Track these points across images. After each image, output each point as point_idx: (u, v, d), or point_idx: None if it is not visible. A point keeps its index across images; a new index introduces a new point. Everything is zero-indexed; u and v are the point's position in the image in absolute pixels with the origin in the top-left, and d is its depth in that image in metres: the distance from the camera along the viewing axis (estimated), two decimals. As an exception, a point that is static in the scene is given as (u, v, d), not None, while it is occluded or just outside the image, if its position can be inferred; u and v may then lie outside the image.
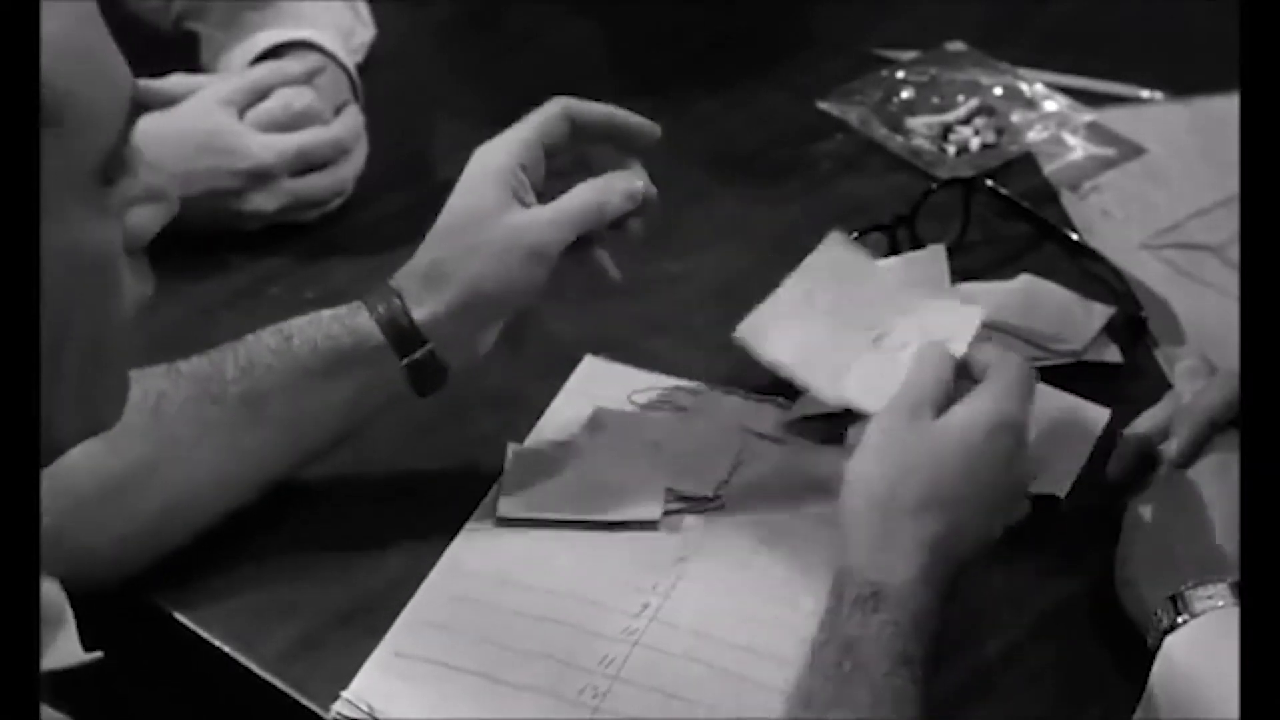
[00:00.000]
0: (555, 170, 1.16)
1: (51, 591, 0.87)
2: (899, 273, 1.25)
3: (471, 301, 1.12)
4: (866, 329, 1.13)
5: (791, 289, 1.17)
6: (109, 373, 0.85)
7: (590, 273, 1.16)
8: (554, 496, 1.16)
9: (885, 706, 0.94)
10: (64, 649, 0.85)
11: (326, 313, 1.13)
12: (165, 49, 1.52)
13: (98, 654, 0.86)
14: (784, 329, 1.15)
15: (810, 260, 1.18)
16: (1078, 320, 1.28)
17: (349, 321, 1.12)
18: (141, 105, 0.82)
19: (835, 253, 1.18)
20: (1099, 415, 1.22)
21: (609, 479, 1.17)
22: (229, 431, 1.10)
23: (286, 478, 1.14)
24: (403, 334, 1.11)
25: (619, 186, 1.15)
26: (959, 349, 1.08)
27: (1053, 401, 1.21)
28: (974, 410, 1.02)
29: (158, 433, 1.08)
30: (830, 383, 1.11)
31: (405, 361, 1.11)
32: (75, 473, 1.03)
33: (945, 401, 1.04)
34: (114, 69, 0.81)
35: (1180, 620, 1.02)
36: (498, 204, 1.12)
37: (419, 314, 1.11)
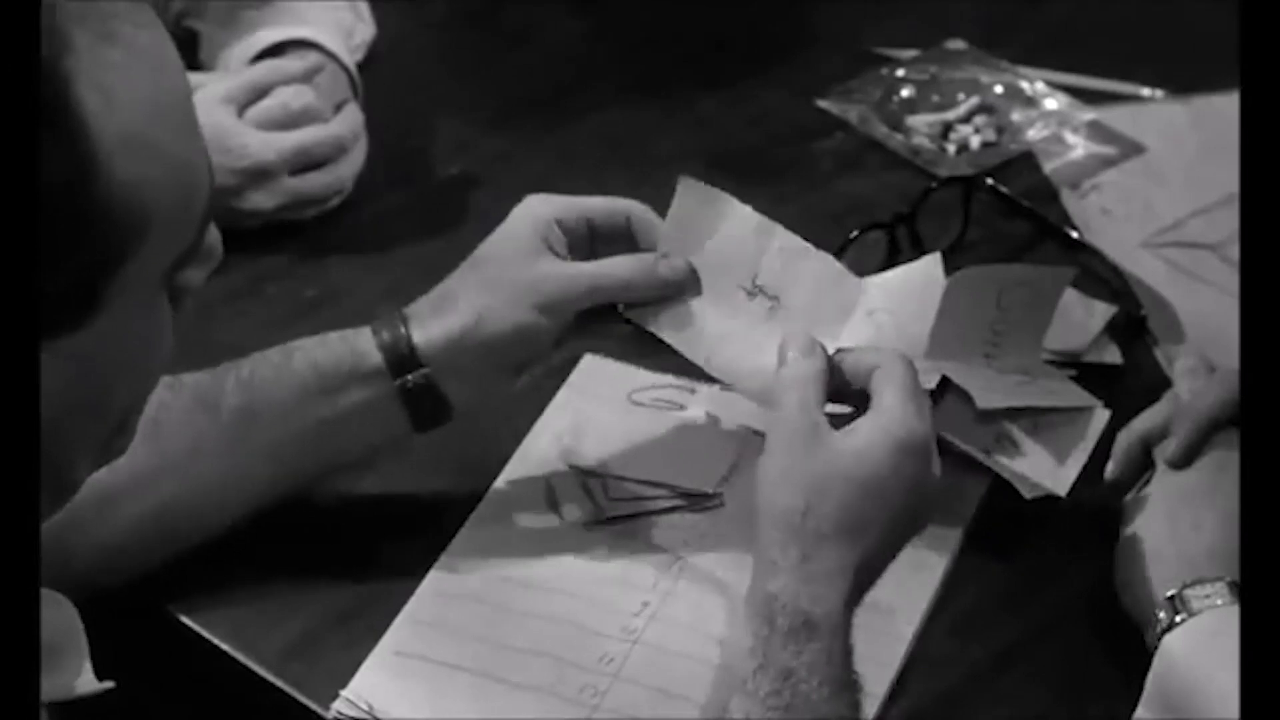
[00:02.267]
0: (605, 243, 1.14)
1: (65, 617, 0.86)
2: (896, 284, 1.25)
3: (472, 333, 1.09)
4: (748, 291, 1.12)
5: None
6: (136, 422, 0.85)
7: None
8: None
9: None
10: (76, 677, 0.85)
11: (334, 333, 1.12)
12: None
13: (109, 684, 0.85)
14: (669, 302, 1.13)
15: (671, 215, 1.13)
16: (1079, 320, 1.28)
17: (352, 341, 1.11)
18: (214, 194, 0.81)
19: (692, 200, 1.13)
20: (1099, 415, 1.22)
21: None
22: (224, 445, 1.10)
23: (277, 503, 1.13)
24: (401, 358, 1.09)
25: (659, 272, 1.11)
26: (835, 337, 1.08)
27: (1054, 400, 1.21)
28: (878, 429, 1.00)
29: (156, 443, 1.07)
30: (708, 354, 1.11)
31: (398, 383, 1.09)
32: None
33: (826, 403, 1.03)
34: (199, 167, 0.80)
35: (1179, 619, 1.02)
36: (526, 248, 1.10)
37: (419, 338, 1.09)
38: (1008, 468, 1.17)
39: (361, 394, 1.10)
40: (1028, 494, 1.14)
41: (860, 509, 0.98)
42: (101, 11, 0.74)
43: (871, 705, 1.05)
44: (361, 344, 1.10)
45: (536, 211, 1.12)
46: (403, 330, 1.10)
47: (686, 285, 1.11)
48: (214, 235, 0.83)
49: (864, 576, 0.99)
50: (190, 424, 1.09)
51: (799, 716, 0.93)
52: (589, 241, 1.13)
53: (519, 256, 1.10)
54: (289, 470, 1.12)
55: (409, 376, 1.09)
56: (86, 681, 0.85)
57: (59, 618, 0.85)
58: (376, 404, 1.10)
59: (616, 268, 1.11)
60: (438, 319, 1.10)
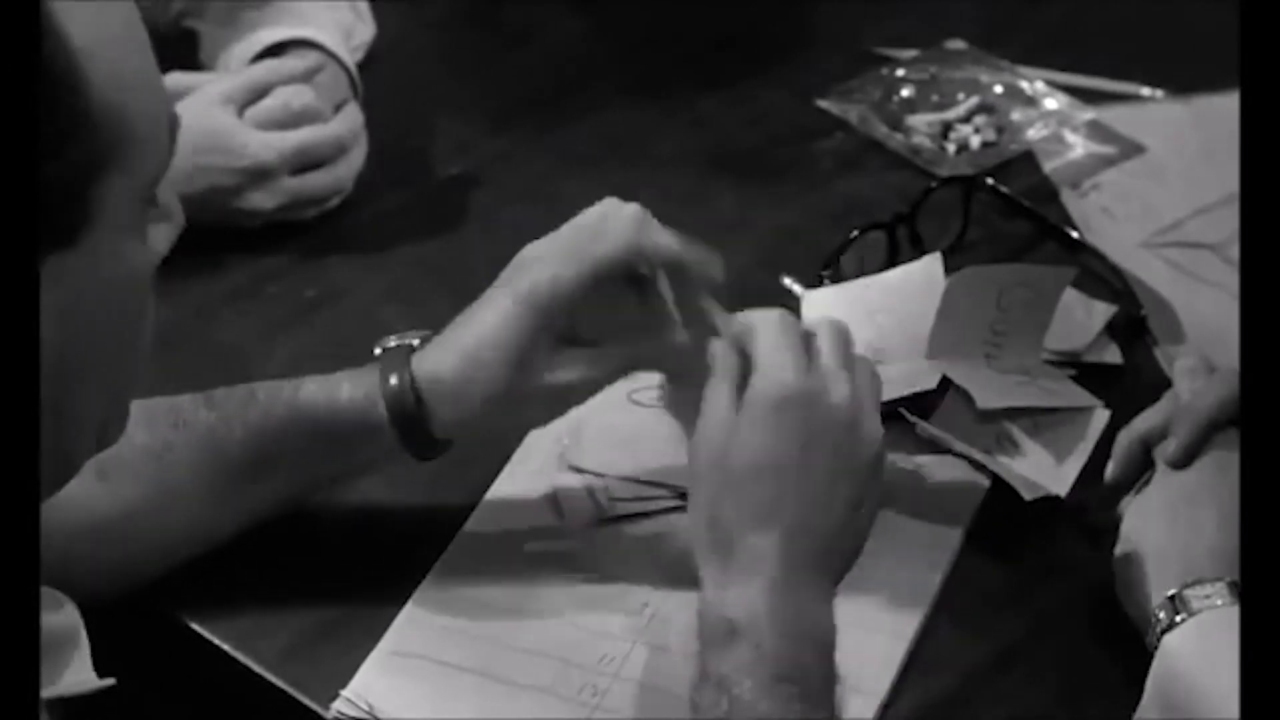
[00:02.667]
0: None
1: (67, 615, 0.86)
2: (896, 284, 1.25)
3: (495, 420, 1.09)
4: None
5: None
6: (126, 395, 0.85)
7: None
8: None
9: None
10: (76, 674, 0.85)
11: (344, 388, 1.08)
12: (164, 47, 1.51)
13: (110, 680, 0.85)
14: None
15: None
16: (1079, 320, 1.28)
17: (365, 412, 1.07)
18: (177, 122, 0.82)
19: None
20: (1099, 415, 1.22)
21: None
22: (230, 488, 1.10)
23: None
24: (414, 441, 1.08)
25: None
26: None
27: (1054, 401, 1.21)
28: (752, 403, 0.97)
29: (159, 481, 1.07)
30: None
31: (409, 449, 1.09)
32: (68, 509, 1.03)
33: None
34: (163, 90, 0.81)
35: (1178, 619, 1.02)
36: (536, 352, 1.07)
37: (439, 429, 1.08)
38: (1008, 468, 1.17)
39: (371, 452, 1.09)
40: (1028, 496, 1.14)
41: (758, 492, 0.96)
42: None
43: (871, 705, 1.05)
44: (373, 417, 1.07)
45: (543, 315, 1.06)
46: (419, 419, 1.07)
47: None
48: (170, 195, 0.83)
49: (788, 557, 0.95)
50: (197, 468, 1.09)
51: (739, 718, 0.92)
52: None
53: (531, 358, 1.07)
54: (290, 504, 1.13)
55: (421, 449, 1.09)
56: (86, 679, 0.85)
57: (59, 616, 0.85)
58: (384, 452, 1.09)
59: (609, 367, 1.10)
60: (454, 408, 1.07)
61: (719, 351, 1.02)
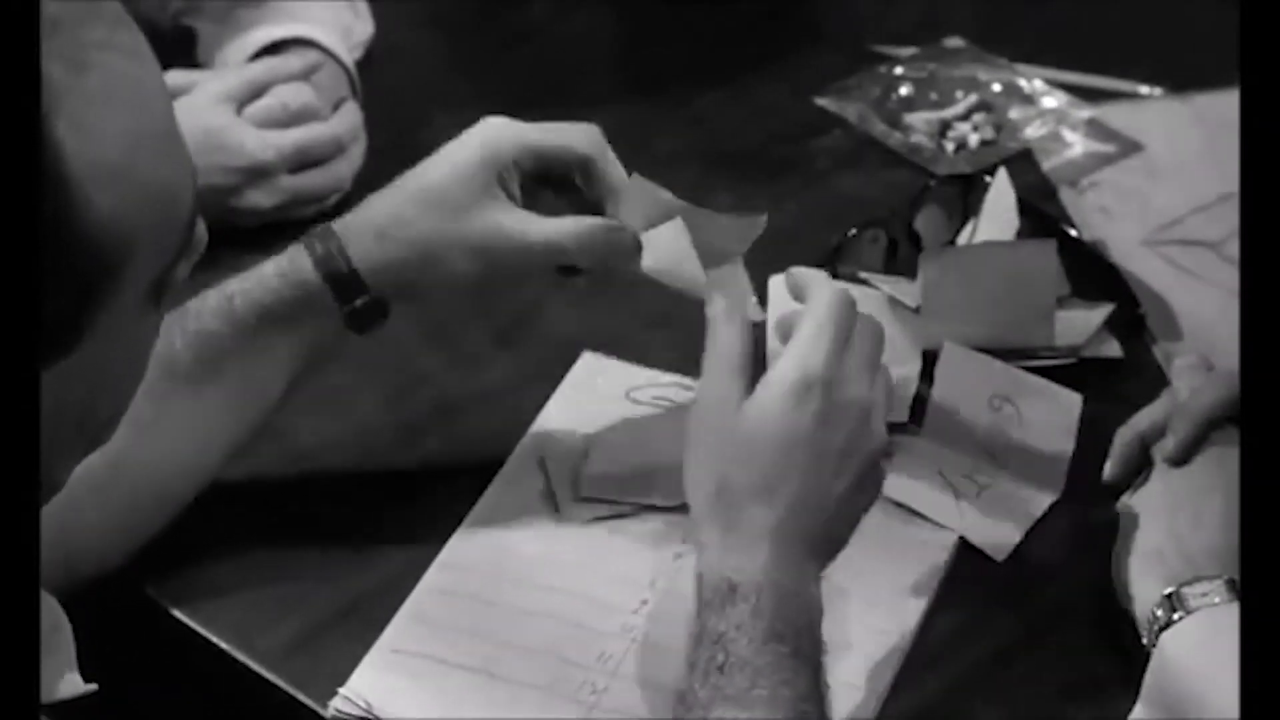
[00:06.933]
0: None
1: (53, 618, 0.86)
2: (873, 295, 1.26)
3: (417, 268, 1.10)
4: None
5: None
6: (119, 422, 0.85)
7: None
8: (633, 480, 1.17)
9: (765, 682, 0.94)
10: (60, 677, 0.85)
11: (269, 265, 1.12)
12: (162, 45, 1.51)
13: (93, 686, 0.85)
14: None
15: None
16: (1078, 318, 1.28)
17: (292, 277, 1.11)
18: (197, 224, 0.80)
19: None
20: (1073, 401, 1.21)
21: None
22: (186, 402, 1.10)
23: (249, 440, 1.14)
24: (346, 286, 1.10)
25: (610, 240, 1.11)
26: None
27: (1029, 395, 1.21)
28: (775, 380, 0.99)
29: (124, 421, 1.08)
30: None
31: (346, 310, 1.10)
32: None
33: (758, 365, 1.02)
34: (181, 188, 0.79)
35: (1176, 617, 1.02)
36: (479, 189, 1.10)
37: (363, 266, 1.10)
38: (976, 523, 1.16)
39: (309, 323, 1.11)
40: (999, 557, 1.14)
41: (766, 468, 0.98)
42: (78, 41, 0.74)
43: (871, 704, 1.05)
44: (301, 274, 1.10)
45: (494, 148, 1.11)
46: (344, 263, 1.10)
47: (636, 255, 1.11)
48: (199, 228, 0.82)
49: (788, 533, 0.98)
50: (151, 390, 1.09)
51: (733, 676, 0.94)
52: (544, 176, 1.12)
53: (472, 199, 1.10)
54: (251, 409, 1.13)
55: (357, 302, 1.11)
56: (71, 683, 0.85)
57: (44, 618, 0.85)
58: (323, 326, 1.11)
59: (569, 234, 1.10)
60: (381, 246, 1.10)
61: (720, 321, 1.04)
